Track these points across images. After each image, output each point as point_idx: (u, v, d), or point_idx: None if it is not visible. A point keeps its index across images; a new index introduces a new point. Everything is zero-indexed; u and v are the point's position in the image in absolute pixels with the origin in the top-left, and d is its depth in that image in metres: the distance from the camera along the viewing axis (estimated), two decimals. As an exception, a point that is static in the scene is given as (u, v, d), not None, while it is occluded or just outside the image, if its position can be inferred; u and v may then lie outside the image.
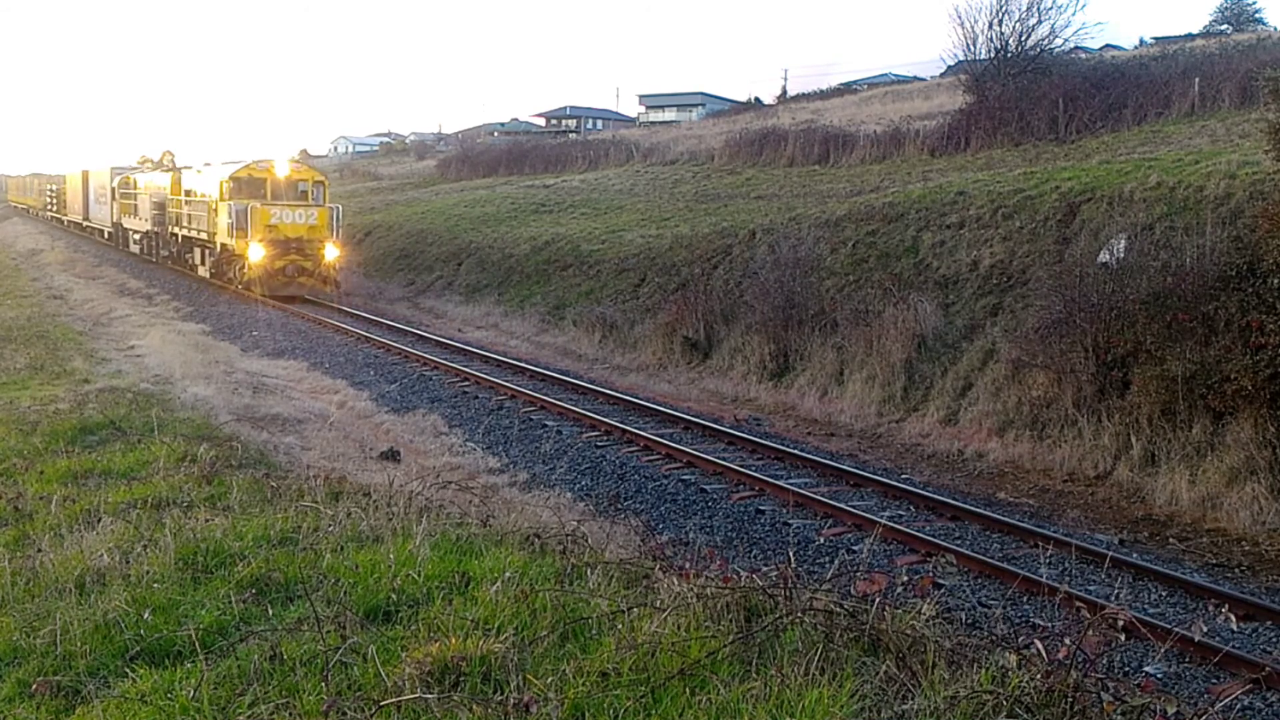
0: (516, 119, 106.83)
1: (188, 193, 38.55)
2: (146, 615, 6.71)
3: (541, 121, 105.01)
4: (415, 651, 5.92)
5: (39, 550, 8.28)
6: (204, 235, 36.28)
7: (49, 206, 77.62)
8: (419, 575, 7.28)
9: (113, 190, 51.37)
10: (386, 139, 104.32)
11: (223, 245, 34.25)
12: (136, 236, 47.11)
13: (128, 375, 18.42)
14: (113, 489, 10.21)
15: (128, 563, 7.75)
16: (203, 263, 37.48)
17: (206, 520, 8.80)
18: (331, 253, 33.11)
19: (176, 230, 39.93)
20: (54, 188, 77.39)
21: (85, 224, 61.85)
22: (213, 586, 7.35)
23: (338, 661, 5.87)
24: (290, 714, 5.47)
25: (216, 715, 5.53)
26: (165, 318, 28.94)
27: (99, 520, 8.92)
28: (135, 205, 47.01)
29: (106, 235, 55.31)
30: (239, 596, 7.08)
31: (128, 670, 6.19)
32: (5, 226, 74.71)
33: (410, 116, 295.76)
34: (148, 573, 7.51)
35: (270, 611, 6.87)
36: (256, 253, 32.12)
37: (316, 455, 13.78)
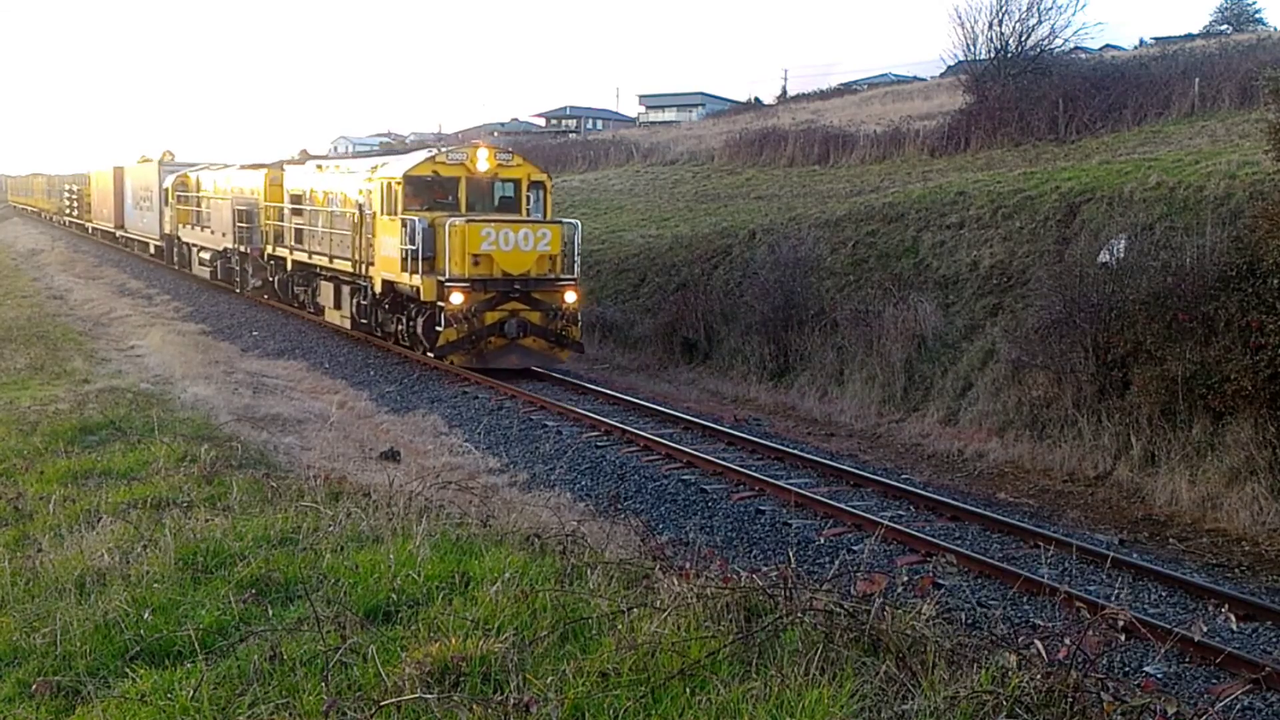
0: (516, 119, 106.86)
1: (296, 197, 28.44)
2: (146, 615, 6.71)
3: (541, 121, 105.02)
4: (415, 651, 5.92)
5: (39, 550, 8.29)
6: (341, 265, 25.04)
7: (68, 210, 66.28)
8: (419, 575, 7.27)
9: (164, 193, 40.49)
10: (386, 139, 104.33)
11: (386, 283, 22.76)
12: (205, 256, 36.35)
13: (128, 375, 18.42)
14: (113, 489, 10.20)
15: (128, 563, 7.75)
16: (337, 305, 26.15)
17: (206, 520, 8.80)
18: (571, 297, 21.48)
19: (281, 252, 29.29)
20: (73, 188, 65.76)
21: (120, 234, 50.67)
22: (213, 586, 7.34)
23: (338, 661, 5.87)
24: (290, 714, 5.47)
25: (216, 715, 5.53)
26: (165, 318, 28.93)
27: (99, 520, 8.92)
28: (201, 213, 36.69)
29: (153, 250, 44.64)
30: (239, 596, 7.07)
31: (128, 670, 6.19)
32: (5, 227, 74.37)
33: (410, 116, 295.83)
34: (148, 573, 7.51)
35: (270, 611, 6.87)
36: (457, 299, 20.54)
37: (316, 455, 13.78)
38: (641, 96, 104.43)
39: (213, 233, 35.01)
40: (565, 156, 58.74)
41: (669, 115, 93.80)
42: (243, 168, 34.77)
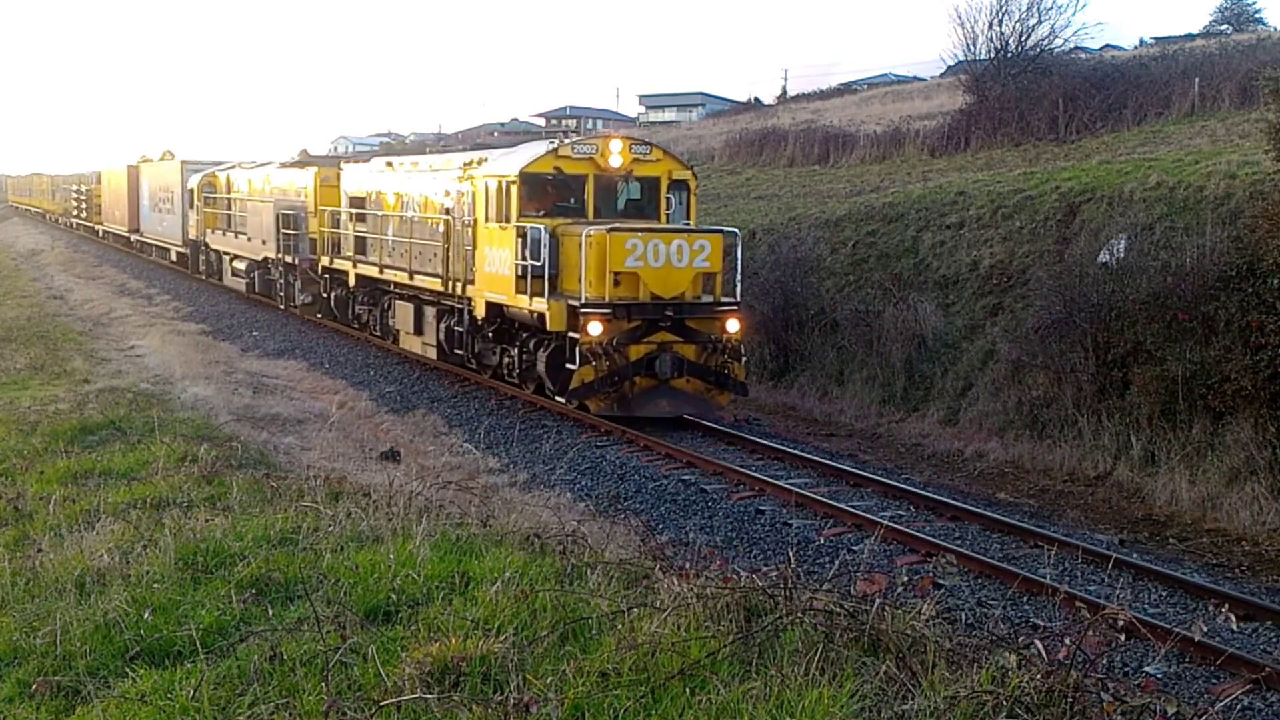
0: (516, 119, 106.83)
1: (358, 200, 24.81)
2: (146, 615, 6.71)
3: (541, 121, 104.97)
4: (415, 651, 5.92)
5: (39, 550, 8.29)
6: (425, 282, 20.92)
7: (75, 212, 61.95)
8: (419, 575, 7.28)
9: (189, 194, 36.77)
10: (386, 139, 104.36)
11: (492, 306, 18.56)
12: (239, 267, 32.34)
13: (128, 375, 18.42)
14: (113, 489, 10.21)
15: (128, 563, 7.75)
16: (417, 330, 21.80)
17: (206, 520, 8.80)
18: (733, 325, 17.36)
19: (340, 265, 25.32)
20: (81, 188, 61.32)
21: (136, 239, 46.63)
22: (213, 586, 7.35)
23: (338, 661, 5.87)
24: (290, 714, 5.47)
25: (216, 715, 5.53)
26: (165, 318, 28.93)
27: (99, 520, 8.93)
28: (233, 218, 32.89)
29: (175, 257, 40.83)
30: (239, 596, 7.08)
31: (128, 670, 6.19)
32: (5, 227, 74.31)
33: (410, 116, 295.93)
34: (148, 573, 7.52)
35: (270, 611, 6.87)
36: (595, 329, 16.42)
37: (317, 455, 13.78)
38: (641, 96, 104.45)
39: (249, 240, 30.72)
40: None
41: (669, 115, 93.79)
42: (285, 165, 31.25)
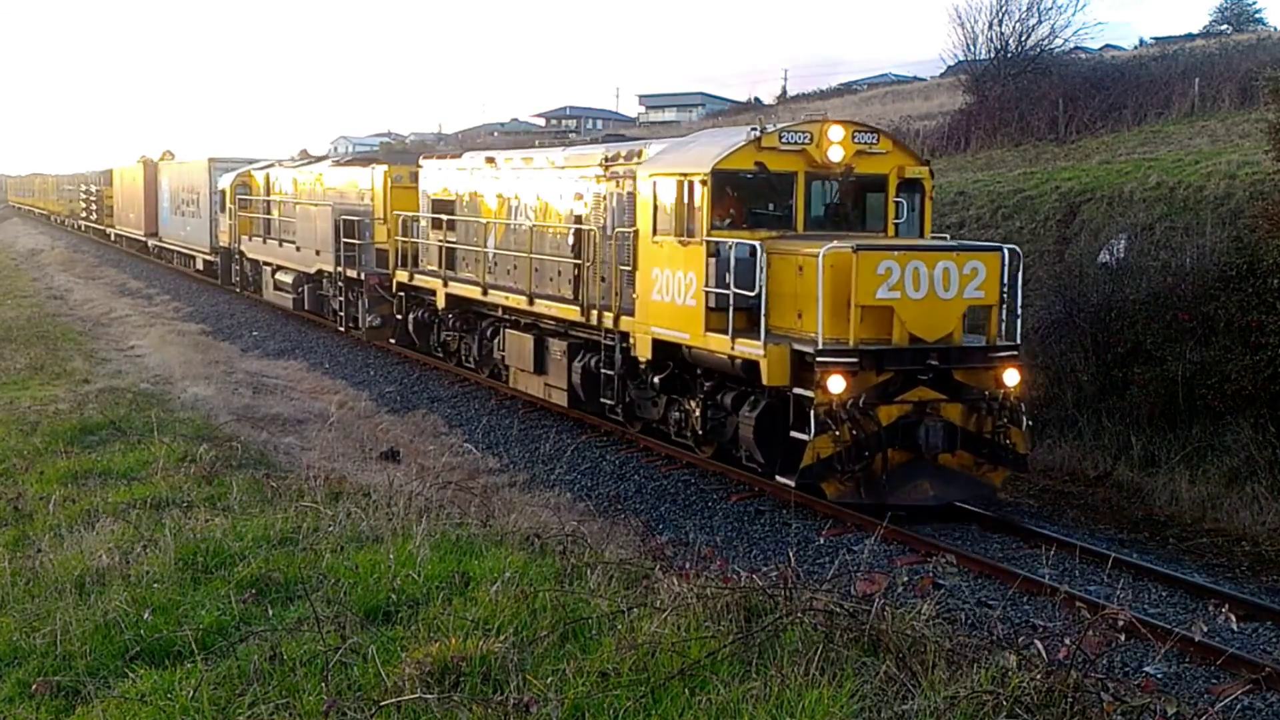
0: (516, 119, 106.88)
1: (444, 205, 20.74)
2: (146, 615, 6.72)
3: (541, 122, 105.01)
4: (415, 651, 5.92)
5: (39, 550, 8.30)
6: (550, 308, 16.97)
7: (86, 213, 58.21)
8: (419, 575, 7.28)
9: (220, 195, 32.86)
10: (386, 139, 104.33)
11: (663, 346, 14.46)
12: (284, 280, 28.11)
13: (127, 375, 18.43)
14: (113, 489, 10.22)
15: (128, 563, 7.76)
16: (539, 368, 17.47)
17: (206, 520, 8.81)
18: (1013, 377, 13.05)
19: (424, 282, 21.21)
20: (90, 189, 56.79)
21: (154, 244, 43.28)
22: (213, 587, 7.35)
23: (338, 661, 5.88)
24: (290, 714, 5.47)
25: (216, 715, 5.53)
26: (165, 317, 28.92)
27: (99, 520, 8.94)
28: (275, 223, 28.90)
29: (201, 266, 37.04)
30: (239, 597, 7.09)
31: (128, 670, 6.19)
32: (5, 227, 74.28)
33: (410, 116, 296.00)
34: (148, 573, 7.52)
35: (270, 611, 6.87)
36: (837, 385, 12.22)
37: (316, 455, 13.78)
38: (641, 97, 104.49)
39: (298, 249, 26.51)
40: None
41: (669, 115, 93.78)
42: (342, 162, 27.78)
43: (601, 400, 16.06)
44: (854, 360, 12.17)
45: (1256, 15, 63.09)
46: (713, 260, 13.26)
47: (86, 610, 6.89)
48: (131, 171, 45.56)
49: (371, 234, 23.67)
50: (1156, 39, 63.09)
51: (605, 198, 15.84)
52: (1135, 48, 58.17)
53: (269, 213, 29.70)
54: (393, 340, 23.16)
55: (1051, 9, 39.02)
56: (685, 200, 13.71)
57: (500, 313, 18.91)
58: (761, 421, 12.96)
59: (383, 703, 5.37)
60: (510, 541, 8.37)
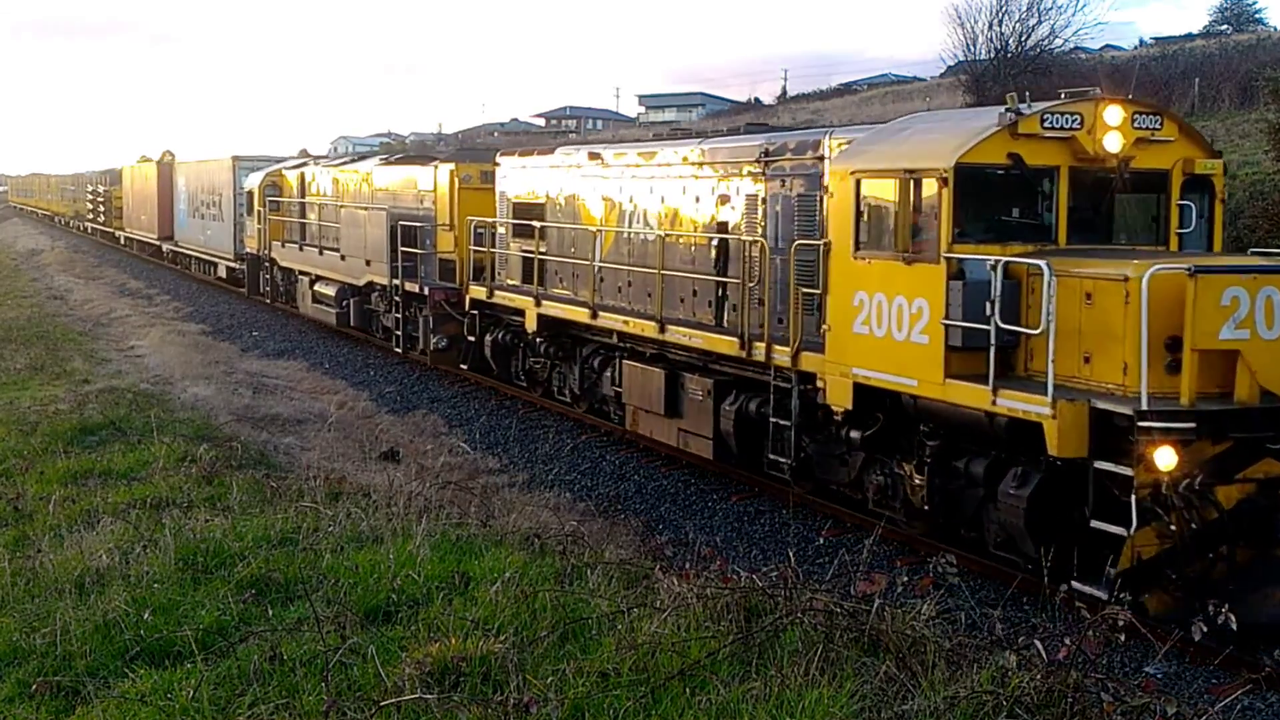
0: (516, 119, 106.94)
1: (529, 209, 17.68)
2: (146, 615, 6.72)
3: (541, 122, 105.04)
4: (415, 651, 5.93)
5: (39, 550, 8.30)
6: (685, 336, 13.87)
7: (93, 215, 55.54)
8: (419, 575, 7.29)
9: (247, 197, 30.26)
10: (386, 139, 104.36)
11: (877, 394, 11.00)
12: (326, 292, 24.89)
13: (128, 375, 18.43)
14: (112, 489, 10.22)
15: (128, 563, 7.77)
16: (672, 410, 14.17)
17: (206, 520, 8.82)
18: None
19: (506, 300, 18.01)
20: (98, 189, 54.42)
21: (169, 249, 40.60)
22: (213, 587, 7.36)
23: (338, 661, 5.88)
24: (290, 714, 5.48)
25: (216, 715, 5.54)
26: (165, 318, 28.93)
27: (99, 520, 8.95)
28: (313, 228, 26.29)
29: (223, 273, 34.18)
30: (239, 597, 7.09)
31: (128, 670, 6.20)
32: (5, 227, 74.26)
33: (410, 116, 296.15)
34: (148, 573, 7.53)
35: (270, 611, 6.88)
36: (1166, 459, 8.58)
37: (316, 455, 13.79)
38: (641, 97, 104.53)
39: (343, 258, 23.58)
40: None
41: (669, 115, 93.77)
42: (393, 161, 24.64)
43: (769, 456, 12.37)
44: (1190, 425, 8.84)
45: (1256, 15, 63.13)
46: (956, 284, 10.03)
47: (86, 610, 6.89)
48: (143, 170, 43.10)
49: (434, 242, 20.47)
50: (1156, 39, 63.10)
51: (764, 201, 12.85)
52: (1135, 48, 58.19)
53: (305, 216, 27.10)
54: (463, 365, 20.01)
55: (1051, 9, 39.04)
56: (911, 205, 10.51)
57: (615, 339, 15.47)
58: (1036, 503, 9.66)
59: (383, 703, 5.37)
60: (510, 541, 8.37)
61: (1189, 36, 56.99)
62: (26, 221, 79.15)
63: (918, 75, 75.30)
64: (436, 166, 21.07)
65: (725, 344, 13.07)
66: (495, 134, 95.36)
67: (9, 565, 7.91)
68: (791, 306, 11.90)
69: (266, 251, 29.00)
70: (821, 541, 12.01)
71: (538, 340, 17.56)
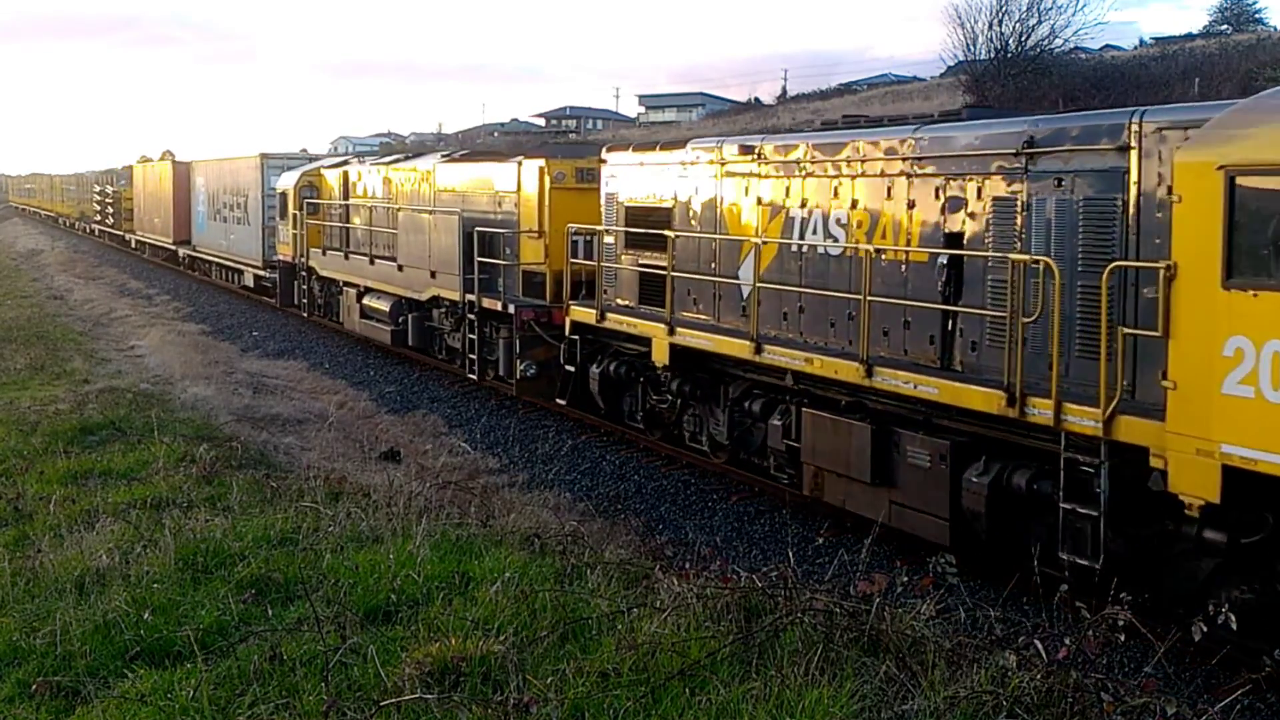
0: (516, 119, 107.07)
1: (649, 212, 14.66)
2: (146, 615, 6.73)
3: (541, 122, 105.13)
4: (415, 651, 5.93)
5: (39, 550, 8.31)
6: (917, 386, 10.23)
7: (100, 216, 53.07)
8: (419, 575, 7.29)
9: (282, 198, 27.43)
10: (386, 139, 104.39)
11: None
12: (378, 307, 22.01)
13: (128, 375, 18.44)
14: (113, 489, 10.23)
15: (128, 563, 7.77)
16: (882, 477, 10.77)
17: (206, 520, 8.82)
18: None
19: (629, 326, 14.66)
20: (105, 189, 51.79)
21: (185, 253, 38.36)
22: (213, 587, 7.36)
23: (338, 661, 5.88)
24: (290, 714, 5.48)
25: (216, 715, 5.54)
26: (165, 318, 28.94)
27: (99, 520, 8.95)
28: (359, 233, 23.81)
29: (251, 281, 31.41)
30: (239, 597, 7.10)
31: (128, 670, 6.20)
32: (5, 227, 74.24)
33: (410, 116, 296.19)
34: (148, 573, 7.53)
35: (270, 611, 6.88)
36: None
37: (316, 455, 13.79)
38: (641, 97, 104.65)
39: (400, 268, 21.02)
40: (565, 157, 58.31)
41: (669, 115, 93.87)
42: (459, 158, 21.49)
43: (1063, 555, 8.86)
44: None
45: (1256, 15, 63.18)
46: None
47: (86, 610, 6.89)
48: (157, 169, 40.64)
49: (517, 251, 17.59)
50: (1156, 39, 63.16)
51: (1025, 206, 9.77)
52: (1135, 48, 58.26)
53: (349, 220, 24.49)
54: (561, 401, 16.47)
55: (1051, 9, 39.14)
56: None
57: (788, 381, 12.16)
58: None
59: (383, 703, 5.38)
60: (510, 541, 8.37)
61: (1189, 36, 57.03)
62: (28, 222, 79.07)
63: (918, 75, 75.41)
64: (521, 163, 18.07)
65: (978, 397, 9.66)
66: (495, 134, 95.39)
67: (9, 565, 7.91)
68: (1102, 352, 8.73)
69: (303, 259, 26.38)
70: (821, 541, 12.02)
71: (665, 375, 14.28)
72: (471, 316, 18.51)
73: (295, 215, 26.34)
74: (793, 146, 12.69)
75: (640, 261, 14.80)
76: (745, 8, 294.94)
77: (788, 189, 12.52)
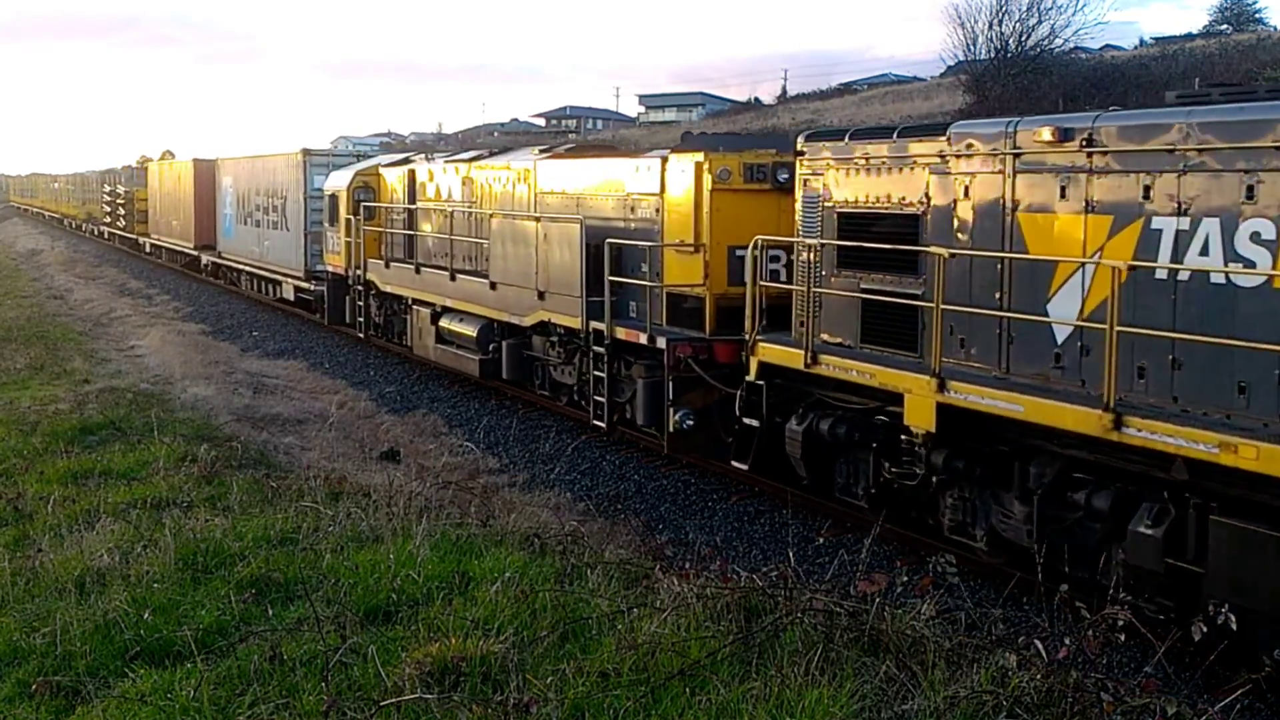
0: (516, 119, 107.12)
1: (855, 218, 11.16)
2: (146, 615, 6.73)
3: (541, 122, 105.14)
4: (415, 651, 5.93)
5: (39, 550, 8.31)
6: None
7: (110, 218, 49.41)
8: (419, 575, 7.29)
9: (331, 201, 23.59)
10: (386, 139, 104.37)
11: None
12: (461, 331, 18.80)
13: (128, 375, 18.43)
14: (113, 489, 10.23)
15: (128, 563, 7.77)
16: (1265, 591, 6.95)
17: (206, 520, 8.82)
18: None
19: (874, 377, 10.41)
20: (116, 189, 47.90)
21: (209, 260, 34.61)
22: (213, 587, 7.36)
23: (338, 661, 5.88)
24: (290, 714, 5.48)
25: (216, 715, 5.54)
26: (165, 318, 28.94)
27: (99, 520, 8.95)
28: (428, 243, 20.57)
29: (291, 294, 27.94)
30: (239, 596, 7.09)
31: (128, 670, 6.20)
32: (5, 227, 74.20)
33: (410, 116, 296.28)
34: (148, 573, 7.53)
35: (270, 611, 6.88)
36: None
37: (316, 455, 13.79)
38: (641, 97, 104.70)
39: (493, 286, 17.46)
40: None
41: (669, 115, 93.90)
42: (570, 152, 17.92)
43: None
44: None
45: (1257, 15, 63.19)
46: None
47: (86, 610, 6.89)
48: (176, 168, 37.05)
49: (660, 269, 14.10)
50: (1156, 39, 63.18)
51: None
52: (1135, 48, 58.28)
53: (417, 227, 20.99)
54: (741, 466, 12.62)
55: (1051, 9, 39.17)
56: None
57: (1179, 472, 7.98)
58: None
59: (383, 703, 5.38)
60: (510, 541, 8.37)
61: (1189, 36, 57.06)
62: (28, 222, 78.99)
63: (918, 75, 75.43)
64: (672, 159, 14.08)
65: None
66: (495, 134, 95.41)
67: (9, 565, 7.91)
68: None
69: (359, 271, 22.38)
70: (821, 541, 12.01)
71: (920, 444, 10.27)
72: (599, 349, 14.71)
73: (349, 221, 22.45)
74: (1159, 127, 8.68)
75: (863, 286, 11.07)
76: (745, 8, 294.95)
77: (1148, 189, 8.60)
